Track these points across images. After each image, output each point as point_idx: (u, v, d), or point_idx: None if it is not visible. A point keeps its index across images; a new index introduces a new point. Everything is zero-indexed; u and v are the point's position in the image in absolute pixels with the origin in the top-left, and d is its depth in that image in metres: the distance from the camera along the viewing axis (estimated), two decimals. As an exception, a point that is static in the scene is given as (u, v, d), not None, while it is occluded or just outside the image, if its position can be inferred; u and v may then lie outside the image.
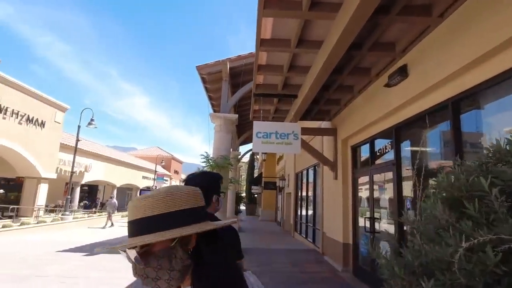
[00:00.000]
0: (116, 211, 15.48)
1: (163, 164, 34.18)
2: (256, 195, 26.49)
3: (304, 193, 11.72)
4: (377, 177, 5.56)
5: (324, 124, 7.96)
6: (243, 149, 32.82)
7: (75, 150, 14.11)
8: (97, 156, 21.57)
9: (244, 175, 34.33)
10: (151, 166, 30.75)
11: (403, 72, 4.10)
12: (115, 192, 25.28)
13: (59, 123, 15.15)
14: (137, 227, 0.72)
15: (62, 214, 13.44)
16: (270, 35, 4.11)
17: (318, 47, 4.08)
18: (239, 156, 21.96)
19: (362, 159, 6.43)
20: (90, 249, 8.05)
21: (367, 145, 5.98)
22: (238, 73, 10.04)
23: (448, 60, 3.30)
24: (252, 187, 24.73)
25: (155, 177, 28.08)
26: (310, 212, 10.47)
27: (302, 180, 12.23)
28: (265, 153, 19.65)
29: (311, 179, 10.58)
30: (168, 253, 0.70)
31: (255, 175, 27.54)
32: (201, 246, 0.81)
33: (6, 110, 11.55)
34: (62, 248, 7.98)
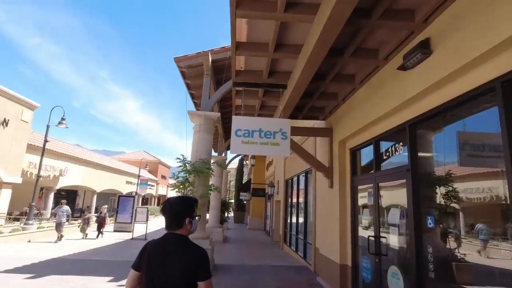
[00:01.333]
0: (68, 220, 13.61)
1: (147, 168, 32.62)
2: (245, 202, 25.31)
3: (294, 202, 10.65)
4: (383, 187, 4.54)
5: (317, 124, 6.94)
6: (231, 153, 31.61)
7: (43, 152, 12.78)
8: (74, 159, 20.09)
9: (233, 181, 33.11)
10: (136, 170, 29.21)
11: (425, 48, 3.10)
12: (96, 197, 23.68)
13: (27, 122, 13.78)
14: None
15: (24, 224, 11.99)
16: (250, -5, 3.07)
17: (314, 13, 3.06)
18: (227, 161, 20.80)
19: (364, 164, 5.40)
20: (41, 269, 6.75)
21: (371, 147, 4.97)
22: (222, 68, 8.98)
23: (496, 24, 2.31)
24: (241, 193, 23.62)
25: (138, 182, 26.56)
26: (301, 222, 9.39)
27: (292, 187, 11.17)
28: (254, 158, 18.53)
29: (302, 187, 9.53)
30: None
31: (245, 180, 26.37)
32: None
33: (-40, 105, 10.20)
34: (5, 267, 6.65)
